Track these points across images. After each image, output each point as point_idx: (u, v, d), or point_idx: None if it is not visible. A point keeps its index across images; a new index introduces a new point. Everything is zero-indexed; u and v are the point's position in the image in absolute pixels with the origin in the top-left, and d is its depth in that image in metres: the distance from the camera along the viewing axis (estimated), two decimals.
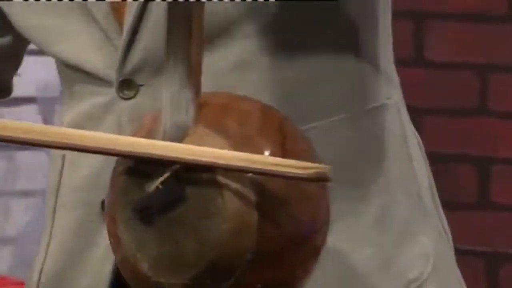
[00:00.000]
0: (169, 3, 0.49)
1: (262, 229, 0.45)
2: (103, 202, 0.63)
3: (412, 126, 0.80)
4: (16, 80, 0.88)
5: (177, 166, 0.46)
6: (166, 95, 0.50)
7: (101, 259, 0.73)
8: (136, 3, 0.70)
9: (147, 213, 0.46)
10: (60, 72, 0.80)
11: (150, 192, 0.46)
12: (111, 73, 0.72)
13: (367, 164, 0.75)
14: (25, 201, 2.37)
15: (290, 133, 0.51)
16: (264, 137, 0.49)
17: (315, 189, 0.48)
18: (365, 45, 0.76)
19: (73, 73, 0.76)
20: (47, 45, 0.76)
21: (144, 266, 0.46)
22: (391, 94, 0.77)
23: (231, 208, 0.44)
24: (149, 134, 0.50)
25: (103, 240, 0.67)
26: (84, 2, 0.72)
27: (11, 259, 2.38)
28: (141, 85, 0.72)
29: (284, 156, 0.46)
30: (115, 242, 0.50)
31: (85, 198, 0.74)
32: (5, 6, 0.77)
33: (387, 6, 0.78)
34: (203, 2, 0.50)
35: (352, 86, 0.74)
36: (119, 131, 0.69)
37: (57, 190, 0.77)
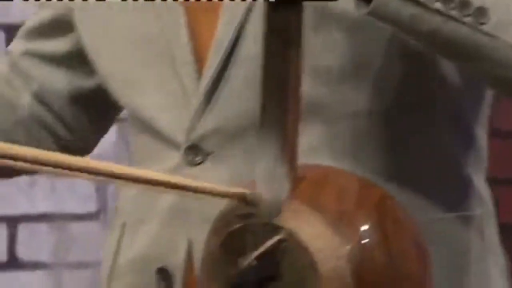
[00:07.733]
0: (265, 74, 0.47)
1: None
2: (159, 269, 0.67)
3: (498, 246, 0.74)
4: None
5: (274, 241, 0.45)
6: (260, 170, 0.48)
7: None
8: (215, 64, 0.68)
9: None
10: (132, 133, 0.79)
11: (244, 267, 0.44)
12: (181, 137, 0.69)
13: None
14: (77, 273, 2.37)
15: (391, 211, 0.48)
16: (361, 213, 0.48)
17: (415, 268, 0.46)
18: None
19: (143, 132, 0.74)
20: (125, 97, 0.75)
21: None
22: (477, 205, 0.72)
23: None
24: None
25: None
26: (170, 51, 0.70)
27: None
28: (210, 153, 0.68)
29: (383, 234, 0.46)
30: None
31: (142, 267, 0.71)
32: (93, 52, 0.76)
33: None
34: (300, 72, 0.48)
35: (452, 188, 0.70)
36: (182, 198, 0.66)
37: (114, 259, 0.75)
